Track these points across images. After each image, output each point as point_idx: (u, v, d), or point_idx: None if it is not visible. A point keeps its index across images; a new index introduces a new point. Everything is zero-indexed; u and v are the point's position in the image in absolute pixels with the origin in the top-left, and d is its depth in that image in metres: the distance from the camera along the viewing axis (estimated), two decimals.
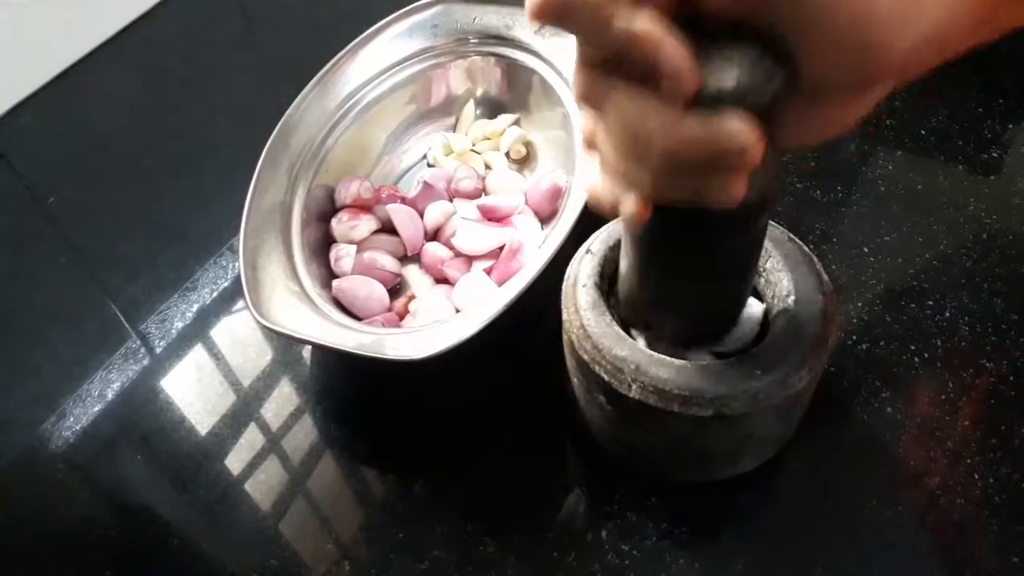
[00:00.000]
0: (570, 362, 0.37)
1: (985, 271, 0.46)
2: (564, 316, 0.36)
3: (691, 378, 0.32)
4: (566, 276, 0.38)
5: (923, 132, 0.54)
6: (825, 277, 0.36)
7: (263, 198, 0.47)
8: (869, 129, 0.54)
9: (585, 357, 0.34)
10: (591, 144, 0.27)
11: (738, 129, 0.23)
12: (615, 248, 0.38)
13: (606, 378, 0.34)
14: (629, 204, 0.27)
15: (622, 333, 0.35)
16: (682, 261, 0.31)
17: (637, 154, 0.25)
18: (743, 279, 0.33)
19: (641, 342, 0.35)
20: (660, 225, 0.28)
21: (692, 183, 0.25)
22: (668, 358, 0.33)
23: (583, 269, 0.37)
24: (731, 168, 0.24)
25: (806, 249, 0.37)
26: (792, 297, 0.35)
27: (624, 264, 0.34)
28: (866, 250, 0.48)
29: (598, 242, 0.38)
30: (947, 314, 0.44)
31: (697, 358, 0.35)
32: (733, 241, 0.30)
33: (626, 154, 0.25)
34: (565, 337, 0.37)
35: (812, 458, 0.40)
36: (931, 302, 0.45)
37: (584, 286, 0.36)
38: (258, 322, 0.41)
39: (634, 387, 0.33)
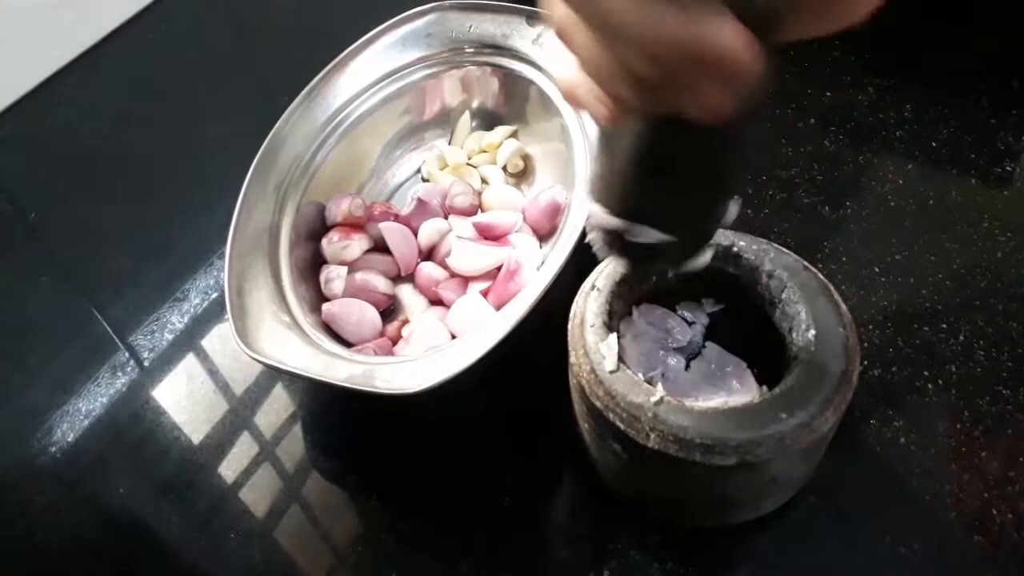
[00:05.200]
0: (579, 407, 0.36)
1: (1000, 292, 0.44)
2: (572, 359, 0.35)
3: (713, 425, 0.31)
4: (571, 314, 0.36)
5: (934, 144, 0.52)
6: (843, 307, 0.34)
7: (250, 218, 0.45)
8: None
9: (598, 404, 0.33)
10: (564, 34, 0.25)
11: (725, 33, 0.21)
12: (622, 283, 0.36)
13: (621, 427, 0.32)
14: (603, 109, 0.25)
15: (637, 378, 0.33)
16: (657, 164, 0.28)
17: (614, 51, 0.22)
18: (724, 188, 0.30)
19: (659, 388, 0.33)
20: (634, 128, 0.26)
21: (673, 96, 0.22)
22: (687, 403, 0.32)
23: (590, 307, 0.35)
24: (717, 79, 0.22)
25: (821, 277, 0.35)
26: (812, 331, 0.33)
27: (602, 157, 0.30)
28: (876, 269, 0.46)
29: (603, 277, 0.36)
30: (961, 338, 0.43)
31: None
32: (712, 150, 0.27)
33: (601, 54, 0.23)
34: (573, 381, 0.35)
35: (824, 492, 0.38)
36: (944, 325, 0.43)
37: (592, 326, 0.34)
38: (244, 352, 0.39)
39: (652, 436, 0.31)
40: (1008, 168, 0.50)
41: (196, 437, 0.45)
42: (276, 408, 0.45)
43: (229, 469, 0.43)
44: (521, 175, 0.52)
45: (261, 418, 0.45)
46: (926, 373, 0.42)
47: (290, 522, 0.41)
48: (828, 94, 0.56)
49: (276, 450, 0.44)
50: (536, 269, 0.45)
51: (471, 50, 0.52)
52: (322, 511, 0.42)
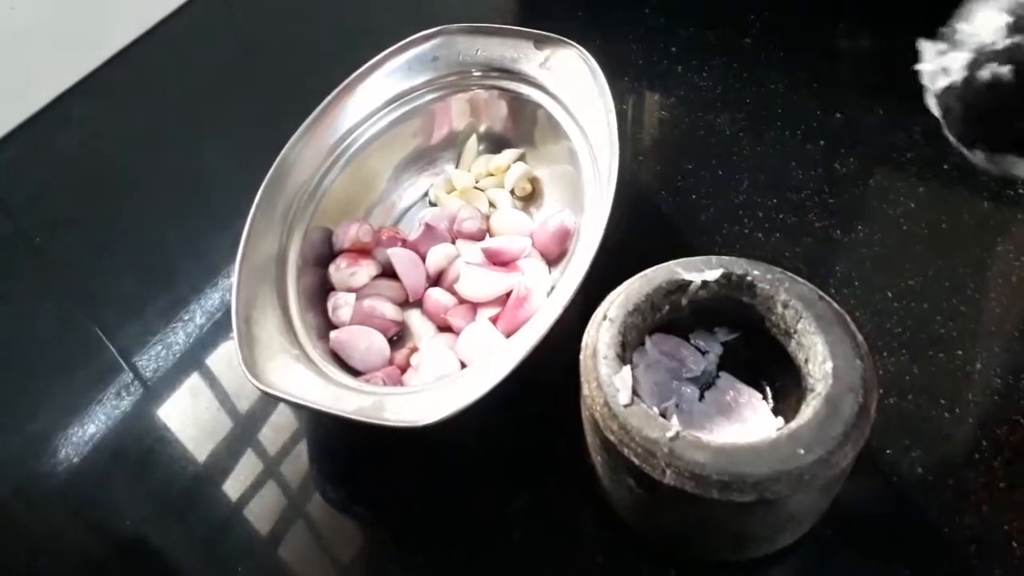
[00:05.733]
0: (592, 440, 0.35)
1: (1016, 317, 0.44)
2: (584, 391, 0.34)
3: (730, 461, 0.30)
4: (583, 345, 0.35)
5: (945, 166, 0.51)
6: (860, 338, 0.34)
7: (257, 245, 0.45)
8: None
9: (612, 438, 0.32)
10: None
11: None
12: (634, 313, 0.36)
13: (636, 462, 0.31)
14: None
15: (652, 412, 0.32)
16: None
17: None
18: None
19: (675, 422, 0.32)
20: None
21: None
22: (704, 439, 0.31)
23: (602, 338, 0.34)
24: None
25: (836, 307, 0.35)
26: (829, 363, 0.32)
27: None
28: (890, 295, 0.46)
29: (615, 307, 0.36)
30: (978, 365, 0.42)
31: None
32: None
33: None
34: (586, 413, 0.34)
35: (841, 524, 0.37)
36: (960, 352, 0.43)
37: (605, 358, 0.34)
38: (252, 383, 0.39)
39: (668, 472, 0.31)
40: (1021, 190, 0.50)
41: (201, 459, 0.44)
42: (282, 432, 0.45)
43: (234, 493, 0.43)
44: (529, 198, 0.52)
45: (267, 442, 0.45)
46: (943, 401, 0.41)
47: (296, 551, 0.41)
48: (838, 116, 0.55)
49: (282, 475, 0.43)
50: (546, 295, 0.44)
51: (478, 73, 0.52)
52: (329, 541, 0.41)
